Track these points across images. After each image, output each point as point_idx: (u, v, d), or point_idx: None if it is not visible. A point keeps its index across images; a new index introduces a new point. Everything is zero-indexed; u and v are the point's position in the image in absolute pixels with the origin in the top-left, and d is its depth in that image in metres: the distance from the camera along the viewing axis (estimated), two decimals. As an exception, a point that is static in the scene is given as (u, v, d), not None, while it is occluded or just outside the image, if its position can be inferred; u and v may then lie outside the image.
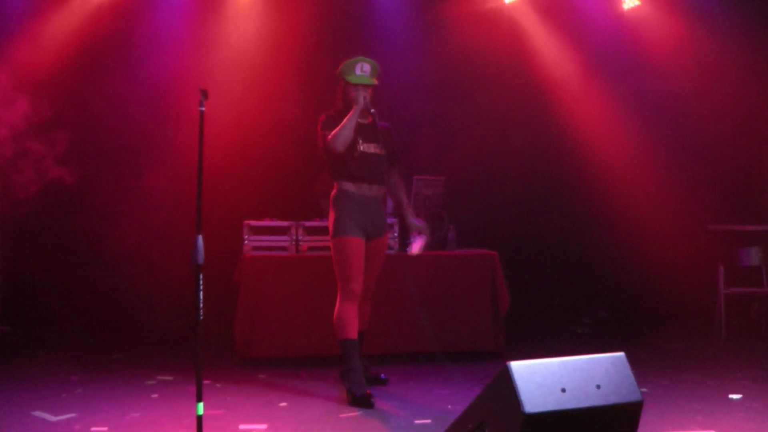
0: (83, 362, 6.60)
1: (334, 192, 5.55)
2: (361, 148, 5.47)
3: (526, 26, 8.82)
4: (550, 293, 8.51)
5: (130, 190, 7.99)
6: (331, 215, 5.49)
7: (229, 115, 7.71)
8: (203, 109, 4.21)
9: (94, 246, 7.90)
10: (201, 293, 4.13)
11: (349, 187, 5.49)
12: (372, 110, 5.44)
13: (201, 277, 4.09)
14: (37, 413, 4.94)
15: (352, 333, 5.33)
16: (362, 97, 5.44)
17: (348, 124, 5.36)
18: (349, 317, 5.32)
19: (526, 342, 7.42)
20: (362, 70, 5.50)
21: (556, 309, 8.42)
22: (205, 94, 4.23)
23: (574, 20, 8.75)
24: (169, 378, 6.02)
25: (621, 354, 3.41)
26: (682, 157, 8.64)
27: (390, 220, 6.79)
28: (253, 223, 6.71)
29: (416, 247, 5.73)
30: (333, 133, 5.35)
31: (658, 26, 8.66)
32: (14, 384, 5.84)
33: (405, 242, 6.35)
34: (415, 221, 5.73)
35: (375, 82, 5.54)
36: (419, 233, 5.72)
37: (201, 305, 4.10)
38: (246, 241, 6.66)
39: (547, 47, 8.82)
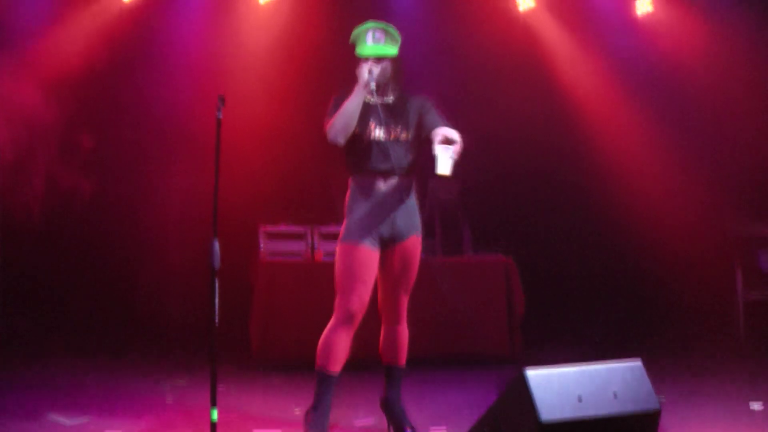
0: (98, 364, 6.63)
1: (348, 190, 4.58)
2: (374, 134, 4.46)
3: (542, 31, 8.78)
4: (567, 298, 8.46)
5: (147, 193, 8.01)
6: (345, 217, 4.54)
7: (246, 119, 7.72)
8: (221, 114, 4.21)
9: (112, 247, 7.97)
10: (217, 297, 4.13)
11: (362, 181, 4.47)
12: (372, 86, 4.37)
13: (217, 281, 4.09)
14: (53, 416, 4.94)
15: (334, 364, 4.38)
16: (367, 73, 4.38)
17: (346, 110, 4.35)
18: (336, 344, 4.35)
19: (542, 347, 7.38)
20: (374, 38, 4.50)
21: (572, 314, 8.37)
22: (222, 99, 4.23)
23: (589, 26, 8.72)
24: (184, 381, 6.02)
25: (638, 362, 3.39)
26: (699, 158, 8.58)
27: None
28: (270, 228, 6.70)
29: (444, 161, 4.16)
30: (331, 122, 4.40)
31: (671, 30, 8.61)
32: (30, 385, 5.86)
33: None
34: (446, 128, 4.31)
35: (392, 51, 4.50)
36: (448, 143, 4.22)
37: (217, 309, 4.10)
38: (262, 246, 6.66)
39: (563, 52, 8.78)
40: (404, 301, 4.57)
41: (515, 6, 8.59)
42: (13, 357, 6.88)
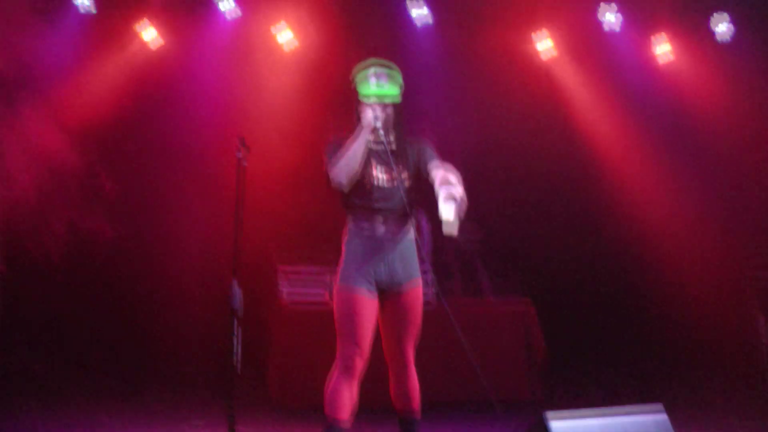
0: (117, 406, 6.61)
1: (345, 230, 4.41)
2: (374, 177, 4.32)
3: (564, 79, 8.82)
4: (587, 340, 8.39)
5: (167, 236, 8.05)
6: (342, 258, 4.37)
7: (267, 162, 7.75)
8: (241, 154, 4.25)
9: (131, 290, 8.00)
10: (236, 339, 4.13)
11: (361, 223, 4.31)
12: (378, 126, 4.27)
13: (237, 322, 4.09)
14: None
15: (341, 412, 4.18)
16: (371, 116, 4.27)
17: (351, 153, 4.19)
18: (339, 391, 4.17)
19: (562, 390, 7.31)
20: (378, 80, 4.37)
21: (593, 356, 8.30)
22: (243, 142, 4.28)
23: (610, 72, 8.76)
24: (202, 424, 6.00)
25: (662, 413, 3.33)
26: (716, 202, 8.57)
27: (424, 268, 6.76)
28: (288, 268, 6.70)
29: (448, 208, 3.98)
30: (334, 164, 4.23)
31: (691, 76, 8.65)
32: (48, 428, 5.84)
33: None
34: (449, 188, 4.08)
35: (395, 93, 4.42)
36: (450, 197, 4.02)
37: (236, 351, 4.10)
38: (282, 290, 6.65)
39: (584, 98, 8.81)
40: (410, 350, 4.34)
41: (537, 54, 8.64)
42: (31, 399, 6.87)
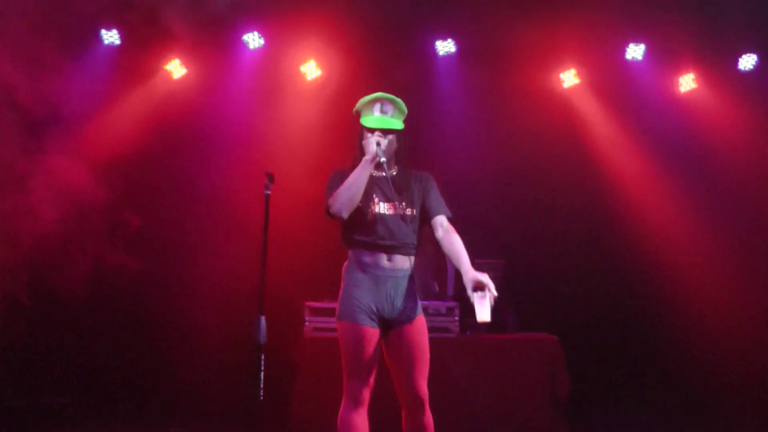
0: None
1: (345, 263, 4.39)
2: (378, 208, 4.29)
3: (585, 108, 8.83)
4: (612, 377, 8.33)
5: (192, 271, 8.07)
6: (340, 291, 4.34)
7: (292, 196, 7.79)
8: (269, 192, 4.29)
9: (155, 323, 8.01)
10: (262, 373, 4.14)
11: (362, 257, 4.26)
12: (383, 159, 4.27)
13: (262, 356, 4.11)
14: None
15: None
16: (375, 145, 4.30)
17: (353, 182, 4.22)
18: (351, 425, 4.12)
19: (588, 428, 7.25)
20: (382, 110, 4.38)
21: (619, 393, 8.24)
22: (271, 177, 4.31)
23: (632, 102, 8.77)
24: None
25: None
26: (744, 234, 8.56)
27: (451, 304, 6.76)
28: (314, 304, 6.72)
29: (482, 308, 4.02)
30: (334, 194, 4.24)
31: (714, 107, 8.64)
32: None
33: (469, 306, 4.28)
34: (470, 276, 4.10)
35: (399, 125, 4.40)
36: (482, 289, 4.05)
37: (261, 385, 4.11)
38: (307, 322, 6.66)
39: (605, 128, 8.80)
40: (424, 386, 4.20)
41: (559, 83, 8.66)
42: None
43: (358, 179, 4.22)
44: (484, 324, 4.07)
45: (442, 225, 4.35)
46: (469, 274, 4.10)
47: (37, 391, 7.72)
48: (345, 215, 4.20)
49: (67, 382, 7.78)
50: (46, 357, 7.90)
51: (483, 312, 4.01)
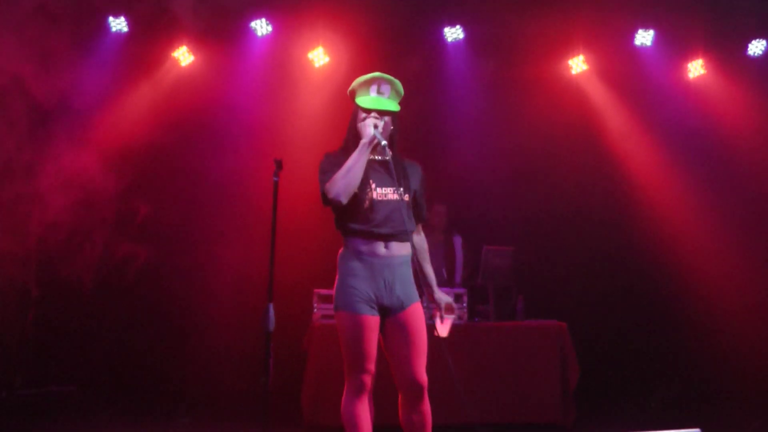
0: (150, 425, 6.63)
1: (340, 250, 4.28)
2: (375, 193, 4.16)
3: (594, 96, 8.80)
4: (622, 364, 8.33)
5: (201, 259, 8.08)
6: (336, 280, 4.26)
7: (301, 183, 7.78)
8: (277, 177, 4.28)
9: (164, 311, 8.02)
10: (270, 360, 4.14)
11: (359, 245, 4.15)
12: (384, 143, 4.10)
13: (271, 345, 4.11)
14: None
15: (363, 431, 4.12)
16: (372, 127, 4.14)
17: (351, 166, 4.08)
18: (356, 414, 4.09)
19: (597, 415, 7.25)
20: (379, 91, 4.23)
21: (627, 381, 8.24)
22: (279, 164, 4.30)
23: (640, 89, 8.73)
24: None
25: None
26: (756, 223, 8.52)
27: (459, 290, 6.75)
28: (323, 291, 6.73)
29: (445, 327, 4.35)
30: (332, 179, 4.11)
31: (724, 93, 8.60)
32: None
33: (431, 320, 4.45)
34: (441, 296, 4.40)
35: (395, 107, 4.26)
36: (447, 311, 4.36)
37: (270, 372, 4.11)
38: (316, 310, 6.67)
39: (614, 115, 8.78)
40: (424, 373, 4.14)
41: (567, 70, 8.64)
42: (64, 422, 6.92)
43: (357, 163, 4.08)
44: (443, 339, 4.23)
45: (420, 233, 4.43)
46: (441, 295, 4.40)
47: (47, 380, 7.76)
48: (344, 200, 4.08)
49: (77, 371, 7.81)
50: (57, 346, 7.93)
51: (444, 329, 4.32)
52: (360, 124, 4.20)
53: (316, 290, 6.74)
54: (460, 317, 6.58)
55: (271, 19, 8.24)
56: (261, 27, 8.22)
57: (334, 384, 6.47)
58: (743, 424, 7.06)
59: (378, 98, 4.21)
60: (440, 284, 6.90)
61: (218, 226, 8.16)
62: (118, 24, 8.08)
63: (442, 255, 7.55)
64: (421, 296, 4.28)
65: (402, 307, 4.13)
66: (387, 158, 4.13)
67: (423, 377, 4.11)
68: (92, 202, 7.58)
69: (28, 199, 7.59)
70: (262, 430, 4.18)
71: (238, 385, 7.80)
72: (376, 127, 4.13)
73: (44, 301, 8.00)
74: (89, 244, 7.68)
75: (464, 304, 6.70)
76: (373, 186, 4.15)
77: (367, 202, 4.12)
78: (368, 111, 4.20)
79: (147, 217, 7.82)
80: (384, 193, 4.15)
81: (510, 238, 7.59)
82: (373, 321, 4.08)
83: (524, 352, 6.77)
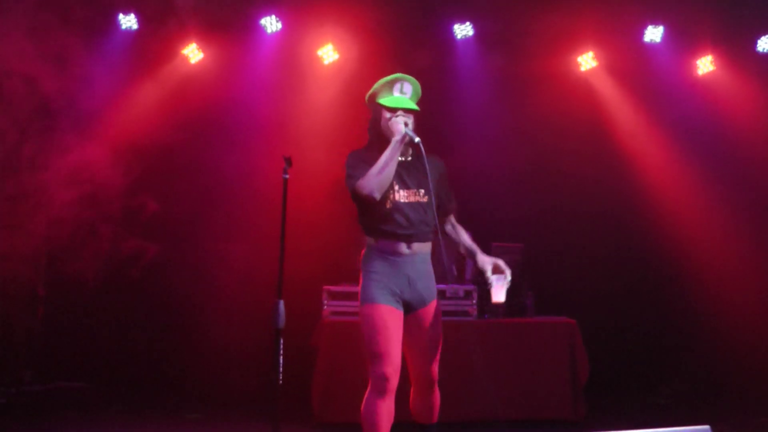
0: (159, 421, 6.64)
1: (364, 250, 4.43)
2: (396, 195, 4.26)
3: (603, 92, 8.79)
4: (632, 361, 8.32)
5: (210, 256, 8.08)
6: (360, 279, 4.37)
7: (310, 180, 7.79)
8: (287, 176, 4.28)
9: (173, 307, 8.03)
10: (281, 357, 4.15)
11: (381, 244, 4.28)
12: (417, 139, 4.17)
13: (281, 340, 4.11)
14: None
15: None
16: (402, 125, 4.21)
17: (385, 163, 4.14)
18: (378, 413, 4.08)
19: (607, 411, 7.24)
20: (402, 90, 4.32)
21: (637, 377, 8.22)
22: (289, 161, 4.30)
23: (650, 86, 8.71)
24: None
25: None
26: (763, 216, 8.50)
27: (469, 287, 6.75)
28: (332, 288, 6.73)
29: (499, 290, 4.29)
30: (366, 175, 4.18)
31: (733, 89, 8.58)
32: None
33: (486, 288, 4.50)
34: (485, 258, 4.39)
35: (415, 107, 4.35)
36: (498, 272, 4.33)
37: (280, 369, 4.12)
38: (325, 306, 6.67)
39: (624, 112, 8.77)
40: (435, 369, 4.34)
41: (577, 66, 8.61)
42: (73, 418, 6.93)
43: (391, 160, 4.15)
44: (501, 306, 4.28)
45: (451, 221, 4.55)
46: (486, 257, 4.34)
47: (55, 376, 7.78)
48: (378, 196, 4.16)
49: (85, 367, 7.83)
50: (65, 342, 7.94)
51: (499, 293, 4.28)
52: (389, 123, 4.25)
53: (325, 287, 6.74)
54: (469, 314, 6.58)
55: (280, 16, 8.25)
56: (270, 24, 8.22)
57: (343, 381, 6.51)
58: (753, 421, 7.05)
59: (402, 98, 4.30)
60: (450, 281, 6.97)
61: (227, 223, 8.17)
62: (128, 21, 8.10)
63: (452, 251, 7.53)
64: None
65: (423, 303, 4.30)
66: (421, 151, 4.18)
67: (436, 372, 4.34)
68: (100, 199, 7.58)
69: (37, 196, 7.60)
70: (271, 426, 4.18)
71: (247, 381, 7.80)
72: (406, 125, 4.22)
73: (53, 298, 8.02)
74: (99, 240, 7.68)
75: (474, 301, 6.70)
76: (396, 188, 4.26)
77: (390, 205, 4.24)
78: (393, 110, 4.27)
79: (156, 214, 7.81)
80: (406, 194, 4.28)
81: (519, 235, 7.58)
82: (398, 314, 4.20)
83: (534, 348, 6.76)
